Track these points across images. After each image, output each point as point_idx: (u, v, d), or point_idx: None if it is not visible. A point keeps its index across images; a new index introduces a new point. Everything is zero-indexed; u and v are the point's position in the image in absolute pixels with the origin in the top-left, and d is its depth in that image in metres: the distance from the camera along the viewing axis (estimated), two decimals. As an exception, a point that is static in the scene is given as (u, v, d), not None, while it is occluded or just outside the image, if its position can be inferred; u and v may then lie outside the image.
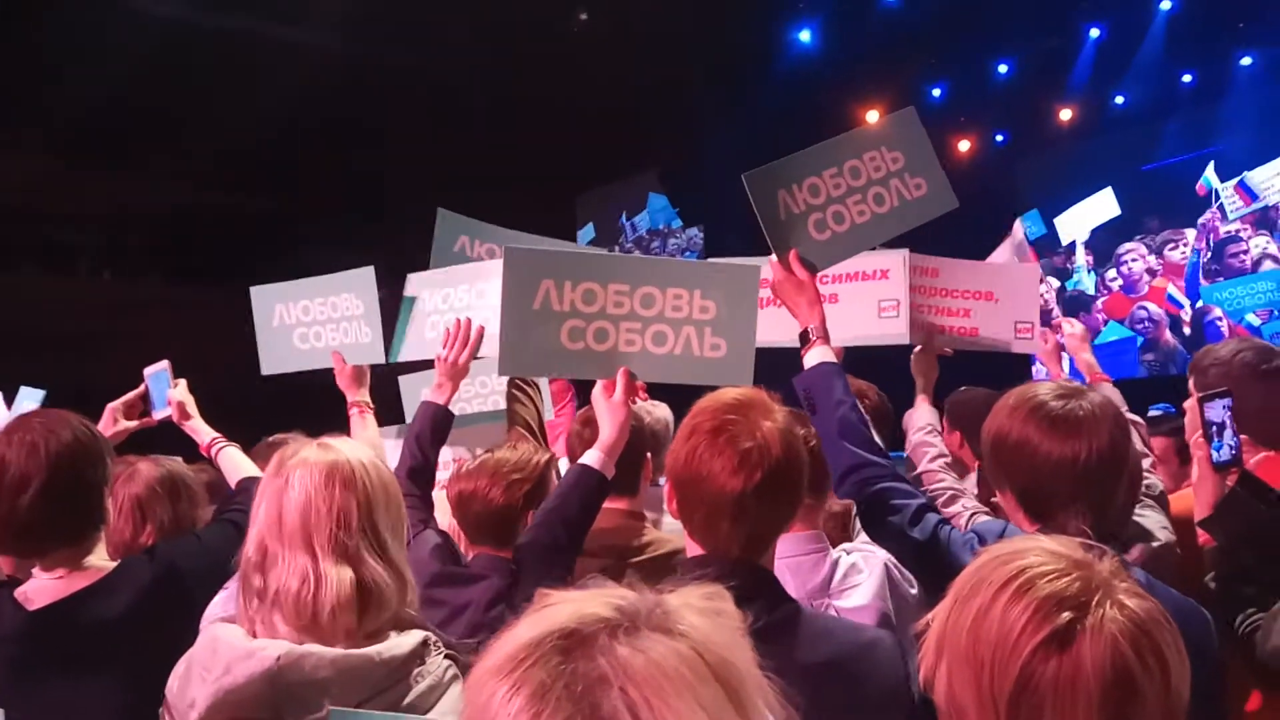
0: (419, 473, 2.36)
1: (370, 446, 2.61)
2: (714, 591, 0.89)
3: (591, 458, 2.08)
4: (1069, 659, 1.08)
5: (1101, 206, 11.21)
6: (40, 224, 13.60)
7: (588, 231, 15.52)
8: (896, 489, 1.95)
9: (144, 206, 13.88)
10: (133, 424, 2.84)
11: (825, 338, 2.12)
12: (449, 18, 10.84)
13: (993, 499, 2.28)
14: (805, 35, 11.12)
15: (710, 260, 2.53)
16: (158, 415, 2.82)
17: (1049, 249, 11.53)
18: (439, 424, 2.43)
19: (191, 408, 2.72)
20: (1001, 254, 3.43)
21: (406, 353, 2.87)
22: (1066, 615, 1.10)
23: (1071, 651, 1.08)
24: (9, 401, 3.96)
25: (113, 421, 2.81)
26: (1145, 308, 11.19)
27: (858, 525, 2.41)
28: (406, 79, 11.87)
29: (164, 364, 2.82)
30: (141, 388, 2.86)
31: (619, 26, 11.24)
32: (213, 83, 10.84)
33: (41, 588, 1.98)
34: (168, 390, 2.76)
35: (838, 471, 2.00)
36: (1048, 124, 11.32)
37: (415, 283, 2.89)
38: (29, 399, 3.95)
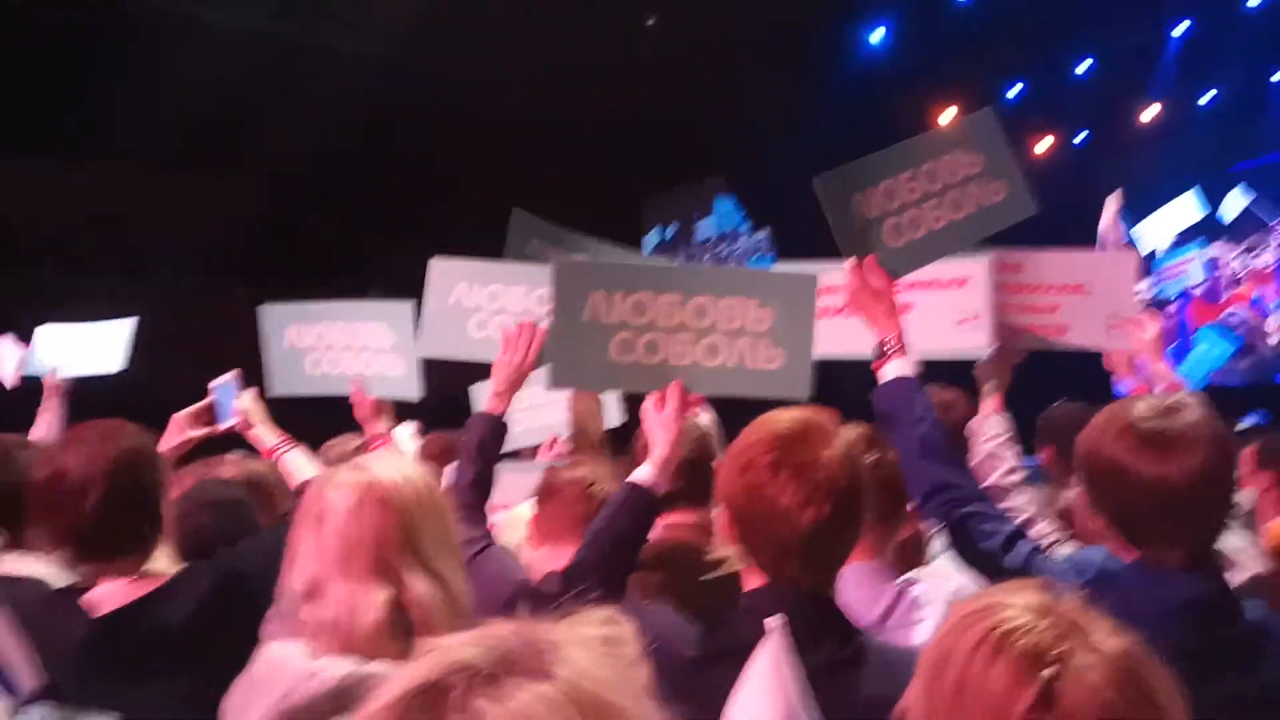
0: (481, 484, 2.30)
1: None
2: (611, 617, 0.84)
3: (641, 474, 1.99)
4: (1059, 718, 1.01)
5: (1185, 211, 10.81)
6: (122, 231, 14.02)
7: (653, 236, 15.45)
8: (986, 513, 1.85)
9: (225, 215, 14.20)
10: (199, 433, 2.87)
11: (903, 350, 2.02)
12: (512, 24, 10.91)
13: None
14: (876, 35, 10.94)
15: (764, 268, 2.44)
16: (223, 425, 2.85)
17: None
18: (498, 435, 2.37)
19: (255, 416, 2.73)
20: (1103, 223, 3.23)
21: (435, 349, 2.74)
22: (1046, 673, 1.03)
23: (1058, 710, 1.01)
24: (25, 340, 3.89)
25: (179, 431, 2.84)
26: (1235, 312, 10.76)
27: (933, 548, 2.30)
28: (472, 87, 11.96)
29: (231, 375, 2.84)
30: (208, 399, 2.88)
31: (683, 29, 11.18)
32: (288, 93, 11.03)
33: (106, 594, 1.99)
34: (233, 400, 2.78)
35: (920, 492, 1.90)
36: (1130, 124, 10.96)
37: (447, 271, 2.74)
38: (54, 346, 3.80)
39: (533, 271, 2.65)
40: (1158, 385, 2.60)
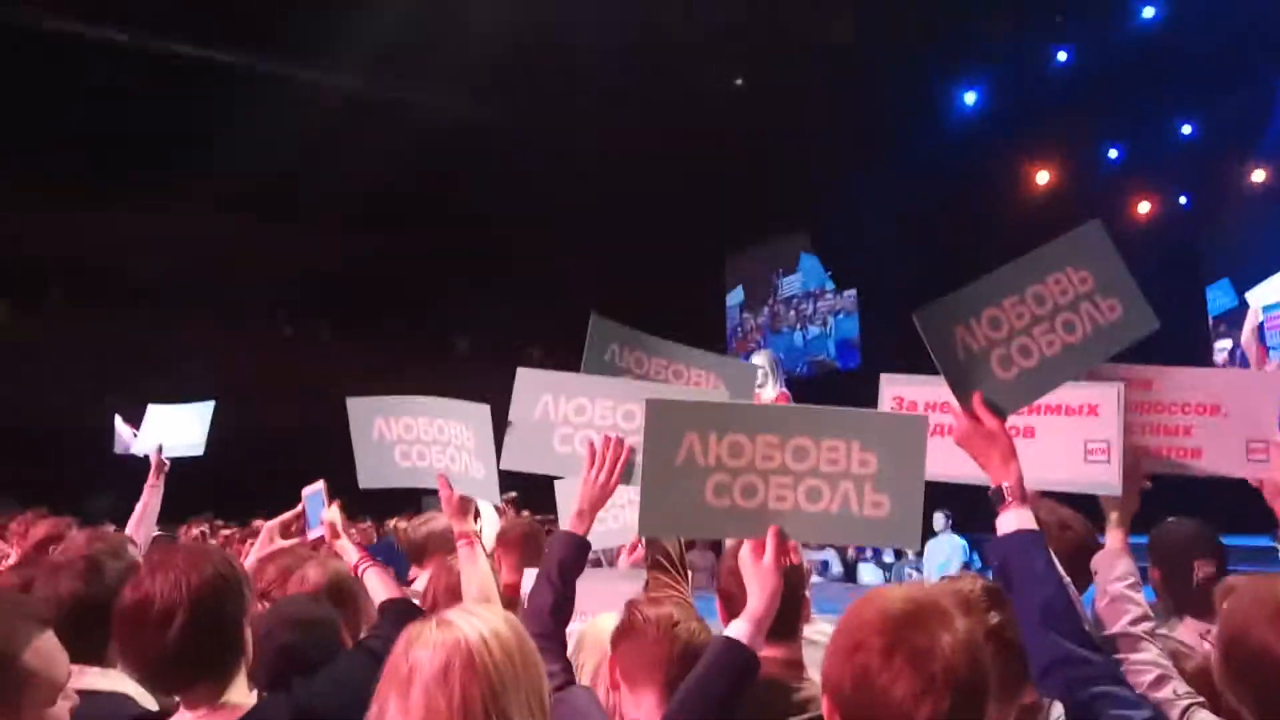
0: (561, 609, 2.21)
1: (482, 584, 2.50)
2: None
3: (738, 630, 1.83)
4: None
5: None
6: (221, 279, 14.53)
7: (737, 294, 15.42)
8: (1116, 695, 1.66)
9: (313, 261, 14.62)
10: (289, 543, 2.88)
11: (1022, 498, 1.86)
12: (597, 80, 11.06)
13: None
14: (970, 97, 10.75)
15: (871, 410, 2.27)
16: (312, 535, 2.85)
17: (1237, 322, 10.68)
18: (580, 556, 2.29)
19: (341, 528, 2.72)
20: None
21: (519, 462, 2.67)
22: None
23: None
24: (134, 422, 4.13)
25: (269, 540, 2.86)
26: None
27: (1052, 716, 2.11)
28: (563, 143, 12.12)
29: (320, 484, 2.85)
30: (299, 507, 2.90)
31: (771, 89, 11.19)
32: (368, 144, 11.34)
33: (183, 726, 1.96)
34: (321, 510, 2.78)
35: (1040, 664, 1.73)
36: (1237, 185, 10.55)
37: (532, 382, 2.67)
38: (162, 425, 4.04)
39: (619, 386, 2.57)
40: None
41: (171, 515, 3.98)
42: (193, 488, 4.06)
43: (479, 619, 1.58)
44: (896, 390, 2.50)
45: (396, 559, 8.62)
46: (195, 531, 7.90)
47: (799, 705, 2.20)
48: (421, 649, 1.53)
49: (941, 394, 2.49)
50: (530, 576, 2.90)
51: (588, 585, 2.44)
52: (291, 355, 14.45)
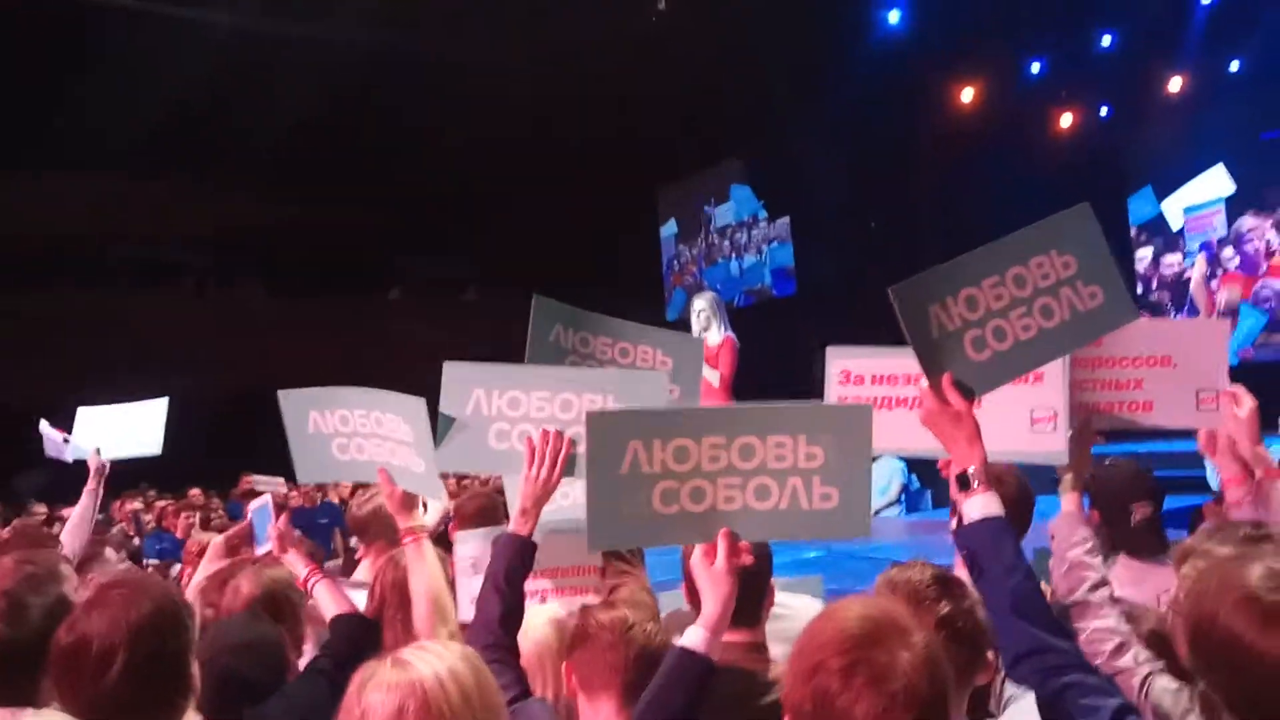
0: (510, 617, 2.14)
1: (430, 584, 2.44)
2: None
3: (693, 639, 1.80)
4: None
5: (1213, 185, 10.57)
6: (142, 243, 14.03)
7: (670, 226, 15.30)
8: (1088, 684, 1.67)
9: (243, 222, 14.17)
10: (236, 558, 2.83)
11: (988, 483, 1.86)
12: (520, 9, 10.74)
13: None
14: (894, 15, 10.65)
15: (814, 402, 2.23)
16: (260, 550, 2.80)
17: (1159, 230, 10.95)
18: (527, 559, 2.22)
19: (289, 543, 2.67)
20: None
21: (455, 462, 2.58)
22: None
23: None
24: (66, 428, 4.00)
25: (216, 557, 2.83)
26: (1270, 285, 10.53)
27: (1005, 696, 2.15)
28: (482, 79, 11.78)
29: (267, 498, 2.80)
30: (246, 522, 2.85)
31: (695, 12, 10.97)
32: (290, 93, 10.89)
33: (133, 767, 1.89)
34: (269, 525, 2.73)
35: (1012, 653, 1.73)
36: (1156, 95, 10.68)
37: (461, 377, 2.55)
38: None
39: (552, 376, 2.47)
40: (1257, 470, 2.36)
41: (105, 487, 3.87)
42: (126, 458, 3.94)
43: (435, 657, 1.53)
44: (843, 363, 2.47)
45: (340, 520, 8.48)
46: (129, 508, 7.73)
47: (764, 686, 2.20)
48: (375, 692, 1.47)
49: (888, 365, 2.47)
50: (463, 539, 2.74)
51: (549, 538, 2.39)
52: (218, 317, 14.06)
